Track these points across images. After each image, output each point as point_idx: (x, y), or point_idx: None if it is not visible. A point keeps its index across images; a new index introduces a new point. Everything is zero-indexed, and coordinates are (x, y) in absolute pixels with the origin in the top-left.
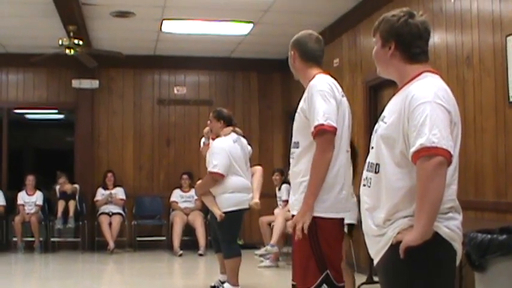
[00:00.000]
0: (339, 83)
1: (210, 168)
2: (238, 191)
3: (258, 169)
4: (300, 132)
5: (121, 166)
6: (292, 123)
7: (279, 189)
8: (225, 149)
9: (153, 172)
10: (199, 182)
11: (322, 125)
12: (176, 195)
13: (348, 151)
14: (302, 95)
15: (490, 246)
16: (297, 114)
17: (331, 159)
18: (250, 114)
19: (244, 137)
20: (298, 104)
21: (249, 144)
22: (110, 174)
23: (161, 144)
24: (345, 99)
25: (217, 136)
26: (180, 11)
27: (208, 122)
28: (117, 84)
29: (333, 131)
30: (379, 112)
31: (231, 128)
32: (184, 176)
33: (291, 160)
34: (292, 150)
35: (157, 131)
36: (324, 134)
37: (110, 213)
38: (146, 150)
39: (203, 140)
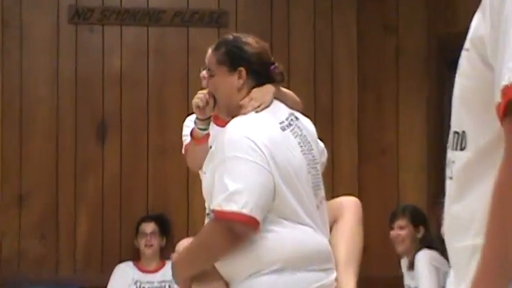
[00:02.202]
0: None
1: (217, 205)
2: (298, 265)
3: (349, 205)
4: (472, 106)
5: None
6: (452, 79)
7: (410, 266)
8: (259, 150)
9: (58, 216)
10: (185, 243)
11: None
12: (124, 281)
13: None
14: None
15: None
16: (463, 54)
17: None
18: (331, 52)
19: (306, 116)
20: (466, 31)
21: (320, 139)
22: None
23: (82, 138)
24: None
25: (233, 114)
26: None
27: (203, 73)
28: None
29: None
30: None
31: (271, 90)
32: (147, 227)
33: (448, 183)
34: (449, 155)
35: (71, 100)
36: None
37: None
38: (38, 153)
39: (186, 123)
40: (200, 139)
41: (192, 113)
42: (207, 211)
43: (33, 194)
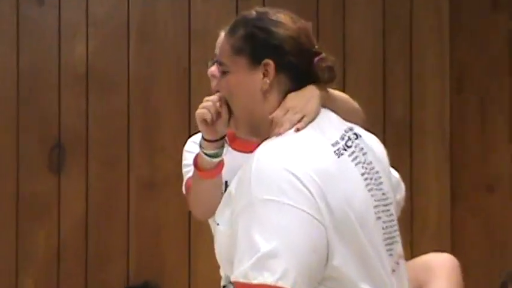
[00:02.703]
0: None
1: (242, 274)
2: None
3: (441, 266)
4: None
5: None
6: None
7: None
8: (305, 189)
9: None
10: None
11: None
12: None
13: None
14: None
15: None
16: None
17: None
18: (410, 38)
19: (371, 132)
20: None
21: (394, 168)
22: None
23: (28, 166)
24: None
25: (258, 133)
26: None
27: (212, 69)
28: None
29: None
30: None
31: (315, 94)
32: None
33: None
34: None
35: (10, 108)
36: None
37: None
38: None
39: (188, 147)
40: (209, 171)
41: (197, 131)
42: (222, 283)
43: None
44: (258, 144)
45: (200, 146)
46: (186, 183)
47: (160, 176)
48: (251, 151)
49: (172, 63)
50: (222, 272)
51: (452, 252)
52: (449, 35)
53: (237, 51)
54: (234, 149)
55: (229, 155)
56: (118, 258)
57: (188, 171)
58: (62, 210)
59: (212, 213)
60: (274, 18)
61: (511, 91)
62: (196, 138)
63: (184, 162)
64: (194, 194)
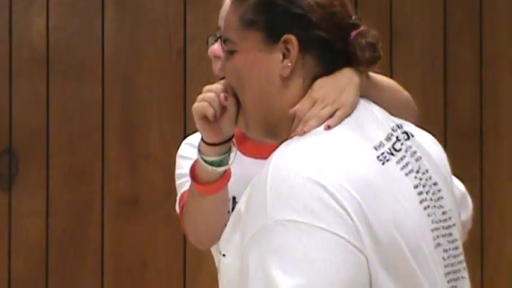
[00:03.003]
0: None
1: None
2: None
3: None
4: None
5: None
6: None
7: None
8: (339, 207)
9: None
10: None
11: None
12: None
13: None
14: None
15: None
16: None
17: None
18: (479, 9)
19: (426, 131)
20: None
21: (457, 176)
22: None
23: None
24: None
25: (276, 132)
26: None
27: (214, 47)
28: None
29: None
30: None
31: (353, 81)
32: None
33: None
34: None
35: None
36: None
37: None
38: None
39: (183, 151)
40: (211, 184)
41: (195, 131)
42: None
43: None
44: (276, 147)
45: (199, 151)
46: (180, 199)
47: (145, 190)
48: (266, 157)
49: (161, 41)
50: None
51: None
52: None
53: (248, 23)
54: (244, 154)
55: (238, 163)
56: None
57: (183, 183)
58: (14, 237)
59: (215, 240)
60: None
61: None
62: (194, 139)
63: (178, 171)
64: (192, 214)
